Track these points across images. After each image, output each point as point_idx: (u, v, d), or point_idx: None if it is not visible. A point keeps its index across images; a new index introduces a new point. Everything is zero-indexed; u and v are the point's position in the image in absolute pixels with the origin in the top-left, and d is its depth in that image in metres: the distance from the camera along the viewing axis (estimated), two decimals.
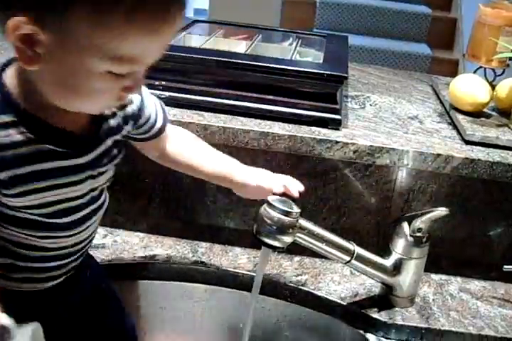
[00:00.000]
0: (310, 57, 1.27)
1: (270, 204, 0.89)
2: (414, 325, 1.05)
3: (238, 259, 1.18)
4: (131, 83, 0.68)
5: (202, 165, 0.96)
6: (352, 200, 1.17)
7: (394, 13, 3.89)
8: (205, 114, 1.14)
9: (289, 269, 1.17)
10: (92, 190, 0.80)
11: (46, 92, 0.68)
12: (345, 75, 1.10)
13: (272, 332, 1.17)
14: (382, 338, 1.06)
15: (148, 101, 0.87)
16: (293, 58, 1.23)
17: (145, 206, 1.22)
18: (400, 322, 1.05)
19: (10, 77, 0.70)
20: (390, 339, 1.06)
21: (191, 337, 1.21)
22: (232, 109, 1.15)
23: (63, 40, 0.62)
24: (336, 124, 1.12)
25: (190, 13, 4.44)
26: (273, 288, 1.13)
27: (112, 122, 0.79)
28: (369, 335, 1.07)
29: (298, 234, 0.92)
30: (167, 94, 1.15)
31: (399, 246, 1.04)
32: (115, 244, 1.17)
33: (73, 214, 0.79)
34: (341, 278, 1.15)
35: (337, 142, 1.09)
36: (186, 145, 0.97)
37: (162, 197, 1.21)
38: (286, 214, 0.88)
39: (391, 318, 1.05)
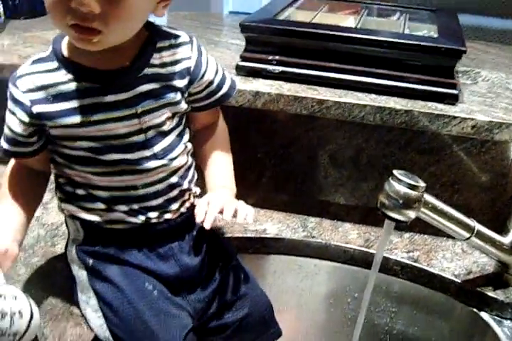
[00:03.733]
0: (422, 31, 1.25)
1: (396, 178, 0.88)
2: None
3: (348, 234, 1.18)
4: (76, 18, 0.71)
5: (205, 161, 0.98)
6: (466, 177, 1.15)
7: None
8: (319, 88, 1.14)
9: (399, 245, 1.16)
10: (142, 130, 0.84)
11: None
12: (464, 49, 1.07)
13: (379, 309, 1.17)
14: (495, 317, 1.04)
15: (211, 67, 0.90)
16: (405, 32, 1.21)
17: (255, 180, 1.23)
18: None
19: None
20: (506, 318, 1.04)
21: (298, 312, 1.23)
22: (345, 83, 1.13)
23: None
24: (453, 99, 1.10)
25: None
26: (383, 264, 1.12)
27: (159, 70, 0.84)
28: (483, 314, 1.05)
29: (422, 209, 0.91)
30: (280, 68, 1.15)
31: None
32: None
33: (129, 152, 0.84)
34: (453, 256, 1.14)
35: (455, 117, 1.06)
36: (211, 138, 0.99)
37: (273, 172, 1.21)
38: (413, 187, 0.87)
39: (508, 297, 1.03)
